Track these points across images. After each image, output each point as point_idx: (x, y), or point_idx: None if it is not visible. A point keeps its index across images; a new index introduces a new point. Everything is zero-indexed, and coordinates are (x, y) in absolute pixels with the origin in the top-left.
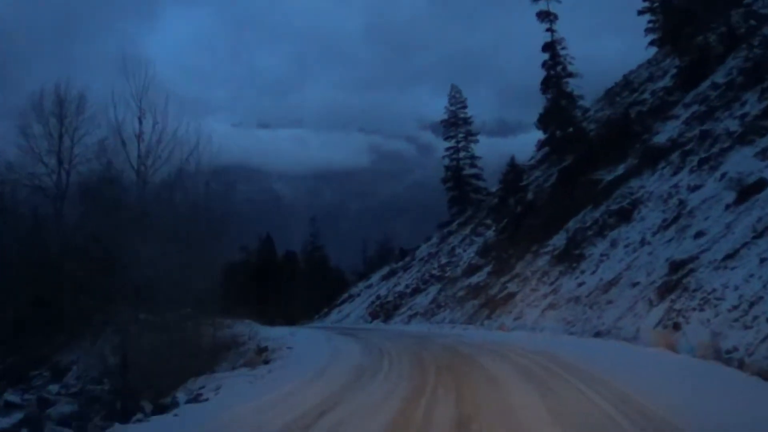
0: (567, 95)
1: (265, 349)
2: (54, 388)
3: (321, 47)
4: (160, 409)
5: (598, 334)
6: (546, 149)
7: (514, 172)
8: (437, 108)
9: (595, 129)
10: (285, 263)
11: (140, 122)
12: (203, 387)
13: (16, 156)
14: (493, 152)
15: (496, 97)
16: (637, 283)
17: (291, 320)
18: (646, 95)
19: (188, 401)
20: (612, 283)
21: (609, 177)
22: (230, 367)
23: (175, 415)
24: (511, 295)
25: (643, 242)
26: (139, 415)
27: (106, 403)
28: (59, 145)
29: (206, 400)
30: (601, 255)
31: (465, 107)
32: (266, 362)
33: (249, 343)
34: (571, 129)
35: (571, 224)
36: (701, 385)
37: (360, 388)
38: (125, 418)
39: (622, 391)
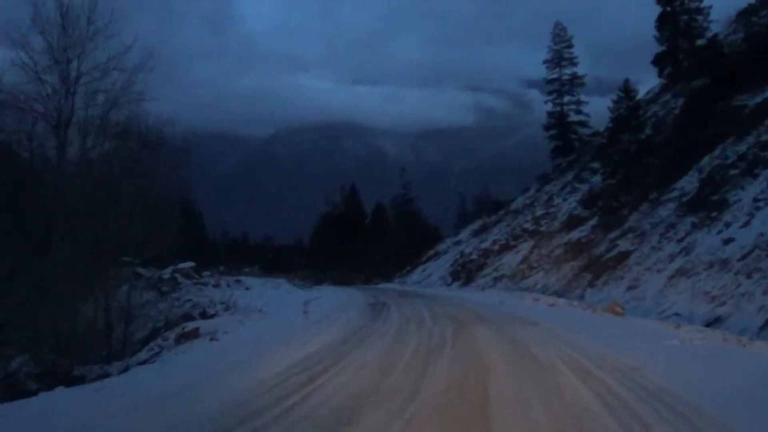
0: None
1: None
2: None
3: (412, 1)
4: None
5: None
6: (664, 81)
7: (628, 100)
8: (540, 66)
9: (731, 50)
10: (372, 217)
11: None
12: None
13: (13, 75)
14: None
15: (592, 55)
16: None
17: (368, 279)
18: None
19: None
20: None
21: (756, 101)
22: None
23: None
24: (624, 256)
25: None
26: None
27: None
28: (65, 61)
29: None
30: (755, 200)
31: (570, 46)
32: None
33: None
34: (701, 43)
35: (705, 162)
36: None
37: None
38: None
39: None
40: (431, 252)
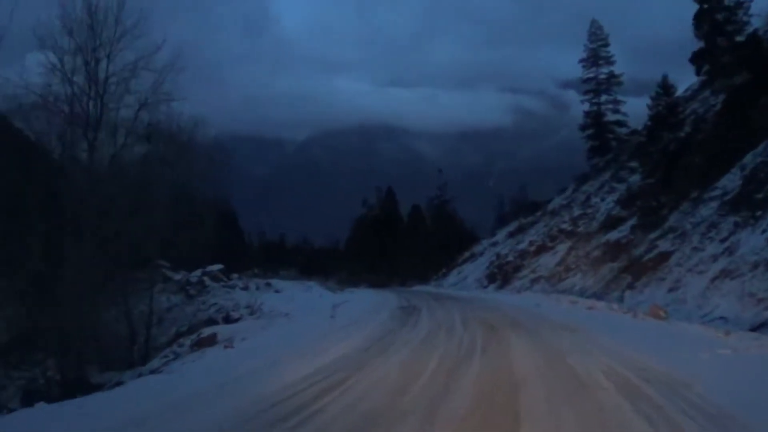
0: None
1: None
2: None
3: (446, 4)
4: None
5: None
6: (703, 78)
7: (667, 96)
8: (577, 67)
9: None
10: (408, 219)
11: None
12: None
13: (43, 77)
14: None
15: (627, 56)
16: None
17: (404, 281)
18: None
19: None
20: None
21: None
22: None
23: None
24: (664, 257)
25: None
26: None
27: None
28: (93, 62)
29: None
30: None
31: (607, 45)
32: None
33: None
34: (740, 39)
35: (748, 159)
36: None
37: None
38: None
39: None
40: (467, 254)
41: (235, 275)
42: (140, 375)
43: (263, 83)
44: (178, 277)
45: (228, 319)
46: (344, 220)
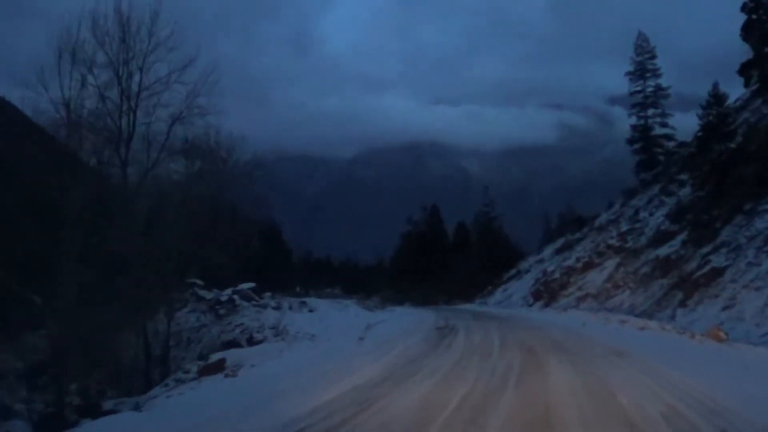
0: None
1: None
2: None
3: (490, 21)
4: None
5: None
6: (753, 88)
7: (718, 106)
8: (622, 83)
9: None
10: (454, 236)
11: None
12: None
13: (75, 91)
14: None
15: (672, 70)
16: None
17: (449, 299)
18: None
19: None
20: None
21: None
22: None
23: None
24: (718, 273)
25: None
26: None
27: None
28: (126, 75)
29: None
30: None
31: (653, 57)
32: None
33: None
34: None
35: None
36: None
37: None
38: None
39: None
40: (513, 271)
41: (268, 294)
42: (137, 405)
43: (310, 102)
44: (209, 295)
45: (251, 341)
46: (391, 238)
